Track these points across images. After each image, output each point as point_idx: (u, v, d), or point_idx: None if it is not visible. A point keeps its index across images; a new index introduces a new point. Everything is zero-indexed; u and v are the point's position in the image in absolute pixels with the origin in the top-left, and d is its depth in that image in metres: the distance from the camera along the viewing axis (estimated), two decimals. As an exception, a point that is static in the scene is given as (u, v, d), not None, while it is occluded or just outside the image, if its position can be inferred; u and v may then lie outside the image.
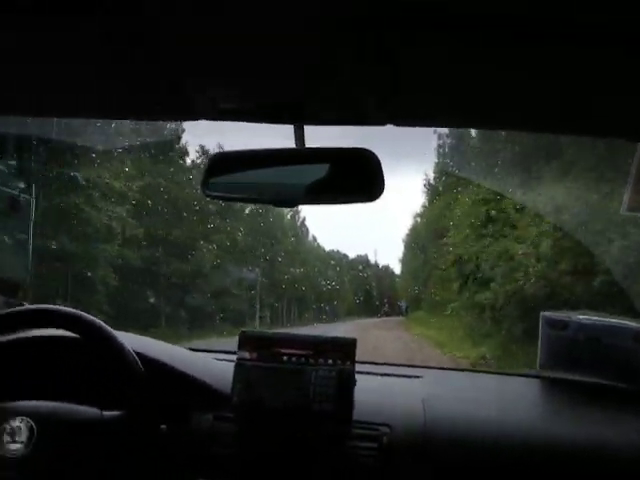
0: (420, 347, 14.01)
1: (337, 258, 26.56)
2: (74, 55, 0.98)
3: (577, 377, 1.94)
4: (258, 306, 18.63)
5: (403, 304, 24.79)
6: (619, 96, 1.04)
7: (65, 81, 1.09)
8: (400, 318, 23.39)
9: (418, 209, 23.94)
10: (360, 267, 28.73)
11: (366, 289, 27.59)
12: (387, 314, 25.01)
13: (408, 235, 25.19)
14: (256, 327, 16.63)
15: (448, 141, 15.51)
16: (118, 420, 1.52)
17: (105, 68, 1.01)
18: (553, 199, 8.84)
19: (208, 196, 1.42)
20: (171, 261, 15.42)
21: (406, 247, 25.97)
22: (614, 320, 1.85)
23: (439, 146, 16.00)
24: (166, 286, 15.25)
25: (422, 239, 21.37)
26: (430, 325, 17.56)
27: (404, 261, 26.82)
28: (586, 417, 1.73)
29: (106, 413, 1.52)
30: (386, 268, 29.72)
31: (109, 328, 1.62)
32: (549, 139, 9.69)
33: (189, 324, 15.06)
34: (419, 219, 23.31)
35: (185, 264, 15.65)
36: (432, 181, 20.33)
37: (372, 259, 30.98)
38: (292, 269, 20.32)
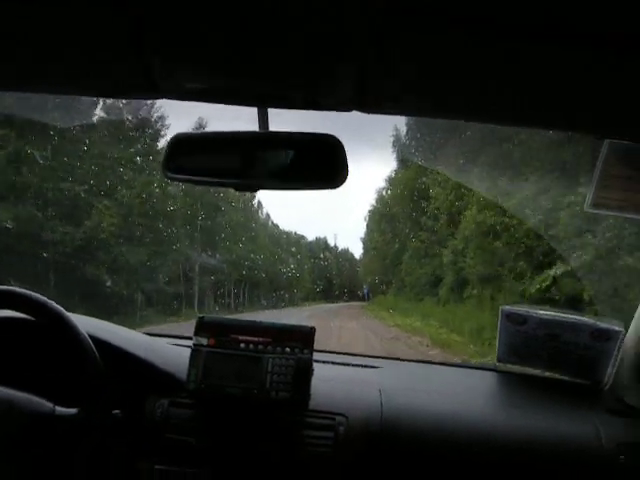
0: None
1: (294, 240, 25.76)
2: (35, 28, 0.93)
3: (534, 371, 1.96)
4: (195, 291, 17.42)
5: (365, 289, 24.30)
6: (588, 92, 1.04)
7: (23, 54, 1.03)
8: (363, 304, 22.76)
9: (382, 183, 23.29)
10: (319, 252, 27.98)
11: (326, 274, 26.88)
12: (349, 300, 24.47)
13: (372, 211, 24.24)
14: (213, 312, 15.17)
15: (412, 128, 15.44)
16: (70, 418, 1.48)
17: (65, 41, 0.97)
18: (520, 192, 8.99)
19: (168, 178, 1.38)
20: (124, 243, 14.49)
21: (371, 223, 24.82)
22: (572, 316, 1.87)
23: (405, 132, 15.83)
24: (120, 269, 14.47)
25: (396, 207, 19.95)
26: (407, 312, 15.28)
27: (368, 240, 25.73)
28: (542, 411, 1.75)
29: (58, 409, 1.48)
30: (346, 252, 29.14)
31: (64, 311, 1.58)
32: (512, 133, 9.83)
33: (145, 309, 14.48)
34: (387, 191, 22.22)
35: (141, 247, 14.79)
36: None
37: (331, 242, 30.35)
38: (247, 252, 19.03)
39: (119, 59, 1.01)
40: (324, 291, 25.68)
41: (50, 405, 1.47)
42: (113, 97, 1.67)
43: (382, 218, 22.29)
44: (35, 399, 1.47)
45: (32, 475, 1.46)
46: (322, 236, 28.89)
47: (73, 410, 1.48)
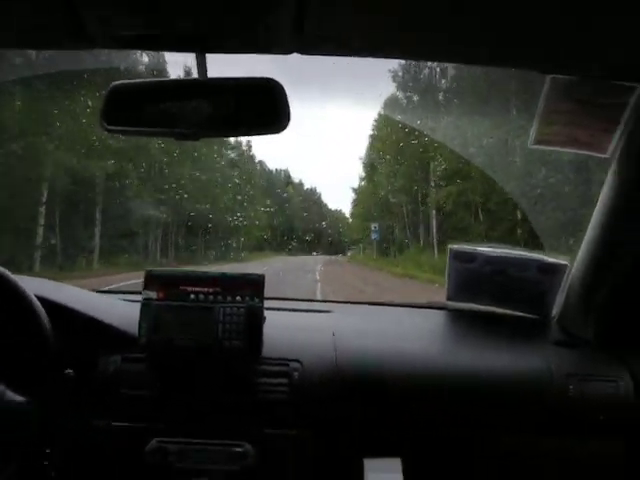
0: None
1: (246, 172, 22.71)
2: None
3: (483, 308, 2.00)
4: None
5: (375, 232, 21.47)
6: (531, 27, 1.03)
7: None
8: (344, 258, 22.05)
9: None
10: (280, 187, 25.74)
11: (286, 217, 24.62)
12: (321, 252, 22.89)
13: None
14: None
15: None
16: (18, 405, 1.46)
17: None
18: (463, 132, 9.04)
19: (106, 130, 1.33)
20: (72, 194, 14.06)
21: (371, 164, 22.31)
22: (519, 252, 1.90)
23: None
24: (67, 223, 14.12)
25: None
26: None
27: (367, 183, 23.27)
28: (492, 346, 1.79)
29: (8, 394, 1.46)
30: (312, 192, 27.43)
31: (9, 273, 1.53)
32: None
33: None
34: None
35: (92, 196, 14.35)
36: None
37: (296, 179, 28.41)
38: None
39: (50, 9, 0.97)
40: (283, 240, 23.28)
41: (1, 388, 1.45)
42: (45, 49, 1.58)
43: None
44: None
45: None
46: (282, 167, 26.76)
47: (22, 399, 1.47)
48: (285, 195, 25.78)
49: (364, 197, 23.10)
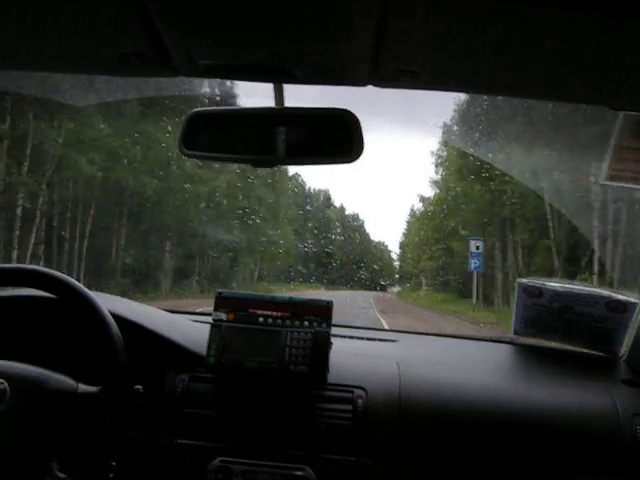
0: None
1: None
2: (43, 7, 0.94)
3: (551, 344, 1.97)
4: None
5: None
6: (602, 62, 1.04)
7: (32, 34, 1.05)
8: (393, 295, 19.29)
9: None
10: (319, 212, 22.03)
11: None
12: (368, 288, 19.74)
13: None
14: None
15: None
16: (92, 396, 1.50)
17: (76, 18, 0.98)
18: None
19: (185, 155, 1.40)
20: (146, 218, 14.50)
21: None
22: (587, 288, 1.87)
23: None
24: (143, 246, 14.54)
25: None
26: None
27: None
28: (558, 383, 1.76)
29: (81, 387, 1.50)
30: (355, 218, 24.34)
31: (86, 290, 1.60)
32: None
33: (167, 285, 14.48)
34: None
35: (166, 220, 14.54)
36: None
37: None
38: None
39: (136, 38, 1.02)
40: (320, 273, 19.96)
41: (73, 383, 1.49)
42: (129, 76, 1.66)
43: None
44: (59, 377, 1.49)
45: (55, 453, 1.47)
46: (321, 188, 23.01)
47: (95, 388, 1.50)
48: (323, 219, 22.41)
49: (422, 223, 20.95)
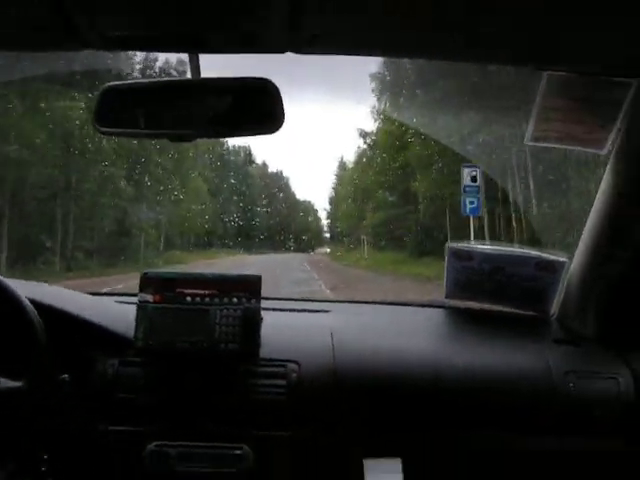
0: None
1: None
2: None
3: (482, 306, 1.99)
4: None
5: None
6: (528, 23, 1.03)
7: None
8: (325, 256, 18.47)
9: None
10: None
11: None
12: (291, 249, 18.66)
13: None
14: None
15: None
16: (15, 392, 1.44)
17: None
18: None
19: (100, 132, 1.34)
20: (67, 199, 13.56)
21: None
22: (517, 249, 1.89)
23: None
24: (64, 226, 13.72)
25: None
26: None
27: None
28: (491, 344, 1.78)
29: (3, 381, 1.43)
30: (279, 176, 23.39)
31: (0, 277, 1.52)
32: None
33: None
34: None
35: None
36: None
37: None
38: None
39: (42, 11, 0.96)
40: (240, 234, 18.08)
41: None
42: (37, 51, 1.56)
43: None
44: None
45: None
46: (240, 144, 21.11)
47: (18, 383, 1.44)
48: (242, 177, 20.29)
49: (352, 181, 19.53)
